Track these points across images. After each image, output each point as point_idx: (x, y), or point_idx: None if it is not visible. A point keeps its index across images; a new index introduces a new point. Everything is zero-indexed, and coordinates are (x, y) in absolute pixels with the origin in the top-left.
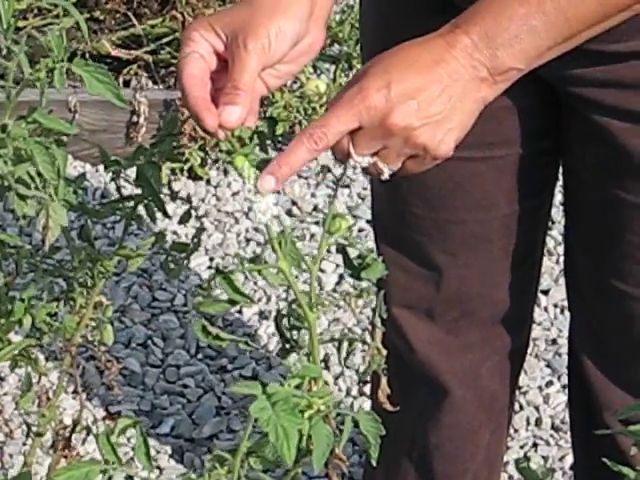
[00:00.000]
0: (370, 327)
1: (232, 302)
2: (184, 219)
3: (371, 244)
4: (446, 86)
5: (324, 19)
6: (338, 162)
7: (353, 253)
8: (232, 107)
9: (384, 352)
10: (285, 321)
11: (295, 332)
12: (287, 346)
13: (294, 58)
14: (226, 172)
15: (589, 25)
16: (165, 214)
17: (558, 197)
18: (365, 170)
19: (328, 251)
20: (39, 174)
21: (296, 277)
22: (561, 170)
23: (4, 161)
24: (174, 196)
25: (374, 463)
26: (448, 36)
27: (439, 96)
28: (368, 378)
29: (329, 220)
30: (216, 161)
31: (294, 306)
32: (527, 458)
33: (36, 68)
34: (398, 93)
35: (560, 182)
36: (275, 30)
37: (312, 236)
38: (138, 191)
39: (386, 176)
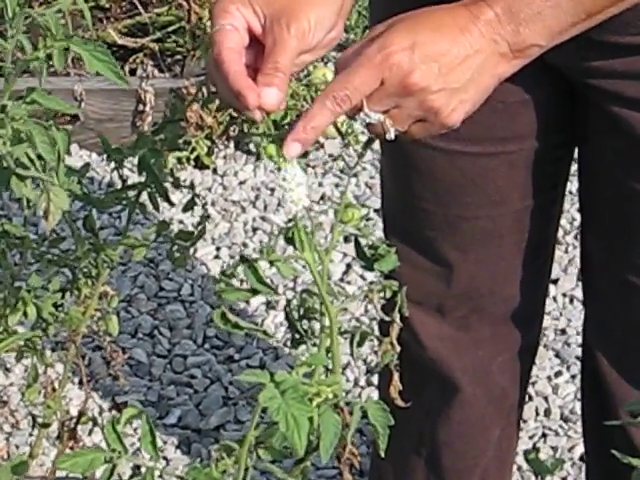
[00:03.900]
0: (379, 318)
1: (254, 291)
2: (188, 206)
3: (379, 233)
4: (467, 56)
5: (347, 15)
6: (346, 116)
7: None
8: (272, 89)
9: (398, 348)
10: (295, 312)
11: (306, 322)
12: (297, 336)
13: (316, 49)
14: (235, 160)
15: (613, 1)
16: (168, 201)
17: (567, 186)
18: (370, 127)
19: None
20: (39, 157)
21: (303, 267)
22: (575, 163)
23: (3, 142)
24: (177, 183)
25: (382, 454)
26: (472, 7)
27: (460, 64)
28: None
29: (342, 210)
30: (227, 146)
31: (305, 296)
32: (537, 449)
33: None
34: (422, 54)
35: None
36: (315, 18)
37: (320, 225)
38: (142, 179)
39: (391, 136)
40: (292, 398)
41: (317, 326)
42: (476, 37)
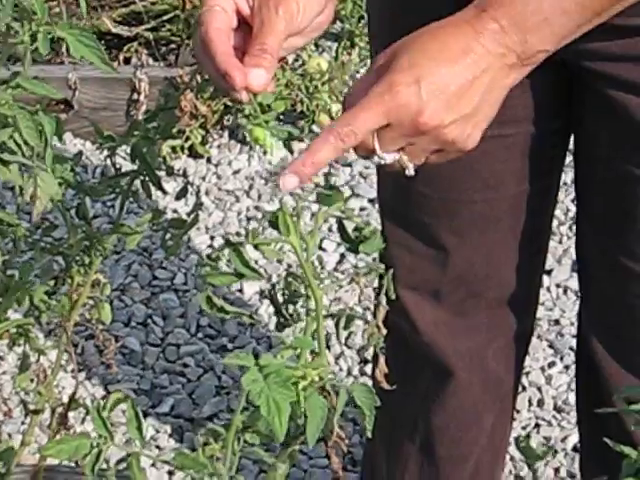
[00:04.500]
0: (373, 306)
1: (239, 275)
2: (180, 194)
3: (374, 223)
4: (475, 78)
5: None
6: (361, 157)
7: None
8: (259, 70)
9: (384, 331)
10: (280, 295)
11: (291, 306)
12: (282, 320)
13: (306, 32)
14: (229, 149)
15: None
16: (161, 189)
17: (562, 175)
18: (387, 167)
19: (330, 230)
20: (26, 142)
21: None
22: (570, 155)
23: None
24: (170, 171)
25: (369, 435)
26: (474, 21)
27: (468, 90)
28: (369, 357)
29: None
30: (221, 136)
31: (290, 279)
32: (527, 436)
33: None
34: (428, 89)
35: (567, 162)
36: (304, 0)
37: (313, 215)
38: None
39: (411, 172)
40: (275, 382)
41: (303, 310)
42: (482, 55)
